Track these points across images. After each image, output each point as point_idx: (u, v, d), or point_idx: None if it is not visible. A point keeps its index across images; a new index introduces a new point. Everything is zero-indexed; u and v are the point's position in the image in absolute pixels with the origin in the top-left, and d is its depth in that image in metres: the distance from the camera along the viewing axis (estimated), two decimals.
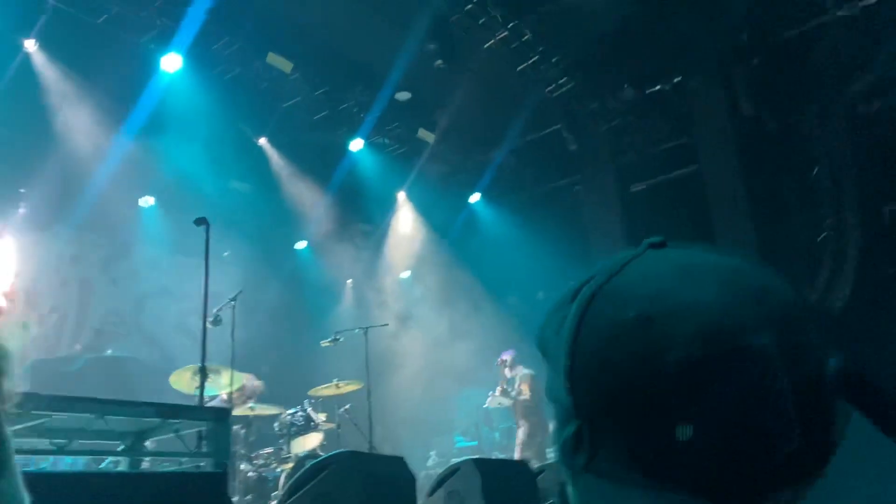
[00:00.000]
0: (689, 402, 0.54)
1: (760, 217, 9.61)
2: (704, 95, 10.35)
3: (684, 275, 0.59)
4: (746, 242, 9.41)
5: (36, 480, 2.89)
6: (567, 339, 0.59)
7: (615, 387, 0.56)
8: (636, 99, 10.87)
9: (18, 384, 0.72)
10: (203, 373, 5.20)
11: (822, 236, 9.34)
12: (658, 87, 10.86)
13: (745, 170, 9.89)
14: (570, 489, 0.60)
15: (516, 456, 8.72)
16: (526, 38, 9.43)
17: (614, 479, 0.56)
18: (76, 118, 8.63)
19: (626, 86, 10.75)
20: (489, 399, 9.54)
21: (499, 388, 9.35)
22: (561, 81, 10.32)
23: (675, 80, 10.67)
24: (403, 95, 10.68)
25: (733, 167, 9.99)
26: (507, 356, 9.42)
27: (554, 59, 9.95)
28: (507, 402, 9.36)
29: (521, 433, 9.13)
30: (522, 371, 9.22)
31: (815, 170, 9.54)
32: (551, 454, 6.36)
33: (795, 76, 9.56)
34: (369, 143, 11.31)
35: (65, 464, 5.64)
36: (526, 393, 9.11)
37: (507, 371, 9.31)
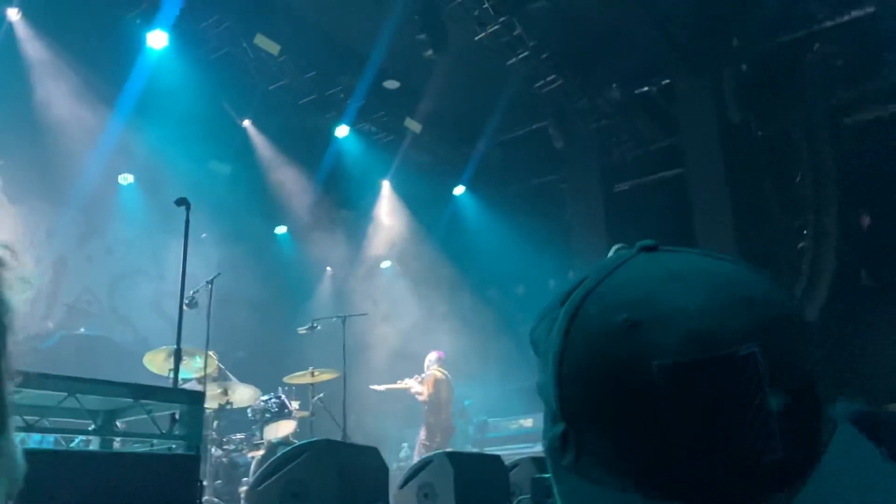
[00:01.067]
0: (673, 408, 0.53)
1: (742, 223, 9.68)
2: (692, 99, 10.40)
3: (673, 280, 0.58)
4: (727, 247, 9.47)
5: None
6: (556, 342, 0.59)
7: (600, 390, 0.56)
8: (624, 99, 10.90)
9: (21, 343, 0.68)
10: (178, 355, 5.13)
11: (801, 245, 9.43)
12: (646, 89, 10.90)
13: (729, 175, 9.96)
14: (555, 488, 0.60)
15: (415, 457, 8.74)
16: (517, 32, 9.40)
17: (598, 481, 0.56)
18: (57, 91, 8.46)
19: (614, 85, 10.77)
20: (401, 383, 9.51)
21: (411, 380, 9.37)
22: (550, 78, 10.31)
23: (664, 82, 10.71)
24: (392, 84, 10.61)
25: (718, 172, 10.04)
26: (432, 355, 9.43)
27: (544, 56, 9.93)
28: (414, 389, 9.32)
29: (421, 433, 9.18)
30: (430, 372, 9.26)
31: (798, 177, 9.63)
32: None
33: (783, 84, 9.63)
34: (355, 130, 11.22)
35: (34, 441, 5.54)
36: (424, 394, 9.15)
37: (425, 368, 9.33)
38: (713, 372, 0.53)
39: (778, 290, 0.59)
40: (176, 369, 4.97)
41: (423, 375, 9.35)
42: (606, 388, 0.55)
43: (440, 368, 9.35)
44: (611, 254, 0.68)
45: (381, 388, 9.38)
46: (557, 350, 0.59)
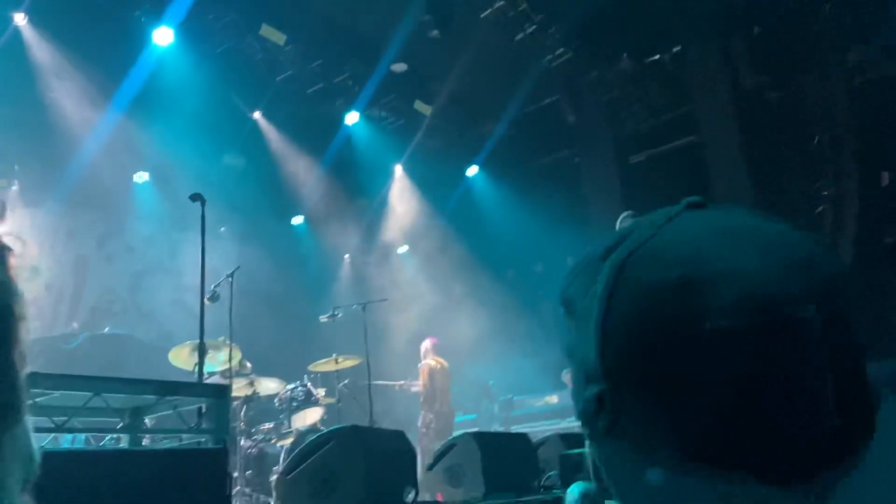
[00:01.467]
0: (727, 372, 0.51)
1: (759, 187, 9.56)
2: (704, 65, 10.25)
3: (727, 238, 0.56)
4: None
5: (44, 459, 2.85)
6: (600, 299, 0.56)
7: (648, 351, 0.53)
8: (635, 69, 10.77)
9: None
10: (202, 349, 5.17)
11: (820, 208, 9.30)
12: (657, 57, 10.75)
13: (744, 140, 9.83)
14: (593, 451, 0.59)
15: (419, 445, 8.72)
16: (522, 7, 9.29)
17: (637, 444, 0.55)
18: (67, 93, 8.51)
19: (624, 56, 10.63)
20: (397, 385, 9.50)
21: (406, 382, 9.41)
22: (559, 52, 10.20)
23: (675, 49, 10.56)
24: (399, 67, 10.54)
25: (733, 137, 9.92)
26: (426, 343, 9.41)
27: (552, 30, 9.82)
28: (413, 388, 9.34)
29: (419, 421, 9.15)
30: (425, 361, 9.23)
31: (815, 139, 9.47)
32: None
33: (796, 45, 9.45)
34: (365, 116, 11.18)
35: (66, 441, 5.64)
36: (419, 384, 9.12)
37: (421, 357, 9.34)
38: (770, 335, 0.51)
39: (831, 253, 0.57)
40: (201, 363, 5.01)
41: (419, 365, 9.32)
42: (655, 349, 0.53)
43: (435, 356, 9.30)
44: (619, 223, 0.66)
45: (380, 383, 9.37)
46: (601, 307, 0.56)
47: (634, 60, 10.61)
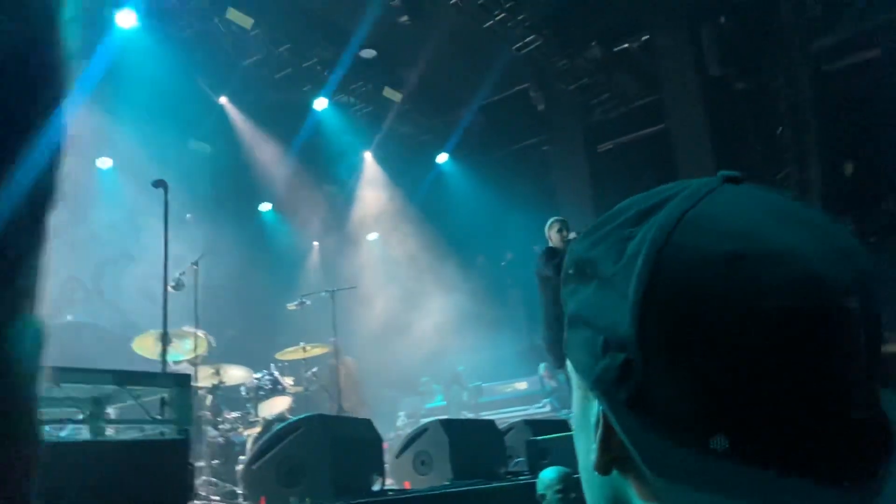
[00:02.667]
0: (775, 356, 0.49)
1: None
2: (672, 53, 10.32)
3: (777, 216, 0.54)
4: None
5: None
6: (642, 266, 0.53)
7: (693, 324, 0.50)
8: (604, 57, 10.80)
9: None
10: (165, 338, 5.11)
11: None
12: (626, 45, 10.80)
13: (712, 129, 9.94)
14: (614, 423, 0.54)
15: None
16: None
17: (665, 420, 0.51)
18: None
19: (593, 43, 10.66)
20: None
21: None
22: (528, 39, 10.19)
23: (643, 37, 10.62)
24: (368, 53, 10.46)
25: (700, 126, 10.02)
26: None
27: (521, 17, 9.80)
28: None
29: None
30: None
31: (780, 129, 9.61)
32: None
33: (762, 34, 9.56)
34: (334, 102, 11.08)
35: None
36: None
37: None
38: (822, 322, 0.49)
39: (861, 243, 0.55)
40: (163, 352, 4.94)
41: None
42: (700, 323, 0.50)
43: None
44: (547, 229, 0.63)
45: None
46: (643, 274, 0.53)
47: (603, 48, 10.65)
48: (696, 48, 9.99)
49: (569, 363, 0.62)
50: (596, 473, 0.58)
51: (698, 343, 0.50)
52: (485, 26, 9.68)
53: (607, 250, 0.57)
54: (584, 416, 0.61)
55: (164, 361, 4.92)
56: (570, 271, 0.61)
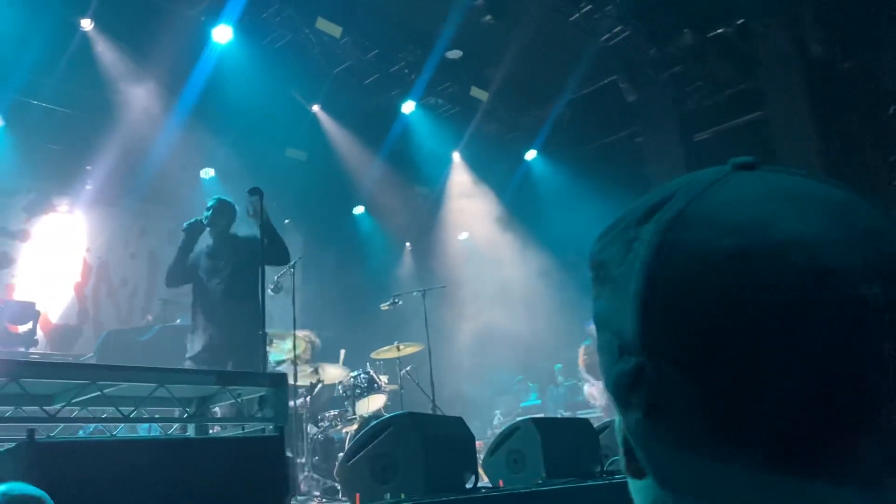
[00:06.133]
0: (782, 353, 0.46)
1: (831, 163, 9.18)
2: (770, 37, 9.87)
3: (786, 203, 0.50)
4: None
5: (112, 447, 2.99)
6: (642, 266, 0.51)
7: (696, 325, 0.48)
8: (697, 44, 10.45)
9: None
10: (263, 339, 5.32)
11: (894, 182, 8.88)
12: (720, 30, 10.42)
13: (814, 113, 9.44)
14: (629, 436, 0.54)
15: None
16: None
17: (677, 425, 0.49)
18: (134, 93, 8.83)
19: (685, 30, 10.34)
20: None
21: None
22: (616, 30, 9.99)
23: (738, 21, 10.20)
24: (454, 54, 10.52)
25: (802, 111, 9.54)
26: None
27: (608, 8, 9.62)
28: None
29: None
30: None
31: (891, 109, 9.02)
32: None
33: (866, 12, 9.00)
34: (421, 105, 11.22)
35: (142, 430, 5.89)
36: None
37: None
38: (836, 313, 0.46)
39: (893, 223, 0.51)
40: (263, 354, 5.16)
41: None
42: (703, 323, 0.48)
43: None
44: None
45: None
46: (643, 275, 0.51)
47: (696, 35, 10.30)
48: (795, 29, 9.52)
49: None
50: (632, 480, 0.57)
51: (702, 345, 0.48)
52: (570, 20, 9.56)
53: (616, 251, 0.56)
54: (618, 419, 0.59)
55: (264, 362, 5.13)
56: (591, 274, 0.60)
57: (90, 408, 3.75)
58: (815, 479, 0.47)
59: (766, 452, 0.47)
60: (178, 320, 8.96)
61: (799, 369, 0.46)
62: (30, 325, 8.21)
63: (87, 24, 8.37)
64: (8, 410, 3.41)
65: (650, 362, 0.50)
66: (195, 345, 6.06)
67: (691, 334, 0.48)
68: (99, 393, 3.37)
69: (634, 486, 0.58)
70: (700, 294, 0.49)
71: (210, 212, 6.44)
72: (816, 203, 0.51)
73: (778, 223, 0.49)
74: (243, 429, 4.04)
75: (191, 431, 4.11)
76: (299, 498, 6.28)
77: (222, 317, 6.01)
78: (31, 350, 8.16)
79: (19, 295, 8.93)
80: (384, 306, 8.27)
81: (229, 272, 6.16)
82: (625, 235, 0.56)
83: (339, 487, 6.20)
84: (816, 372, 0.46)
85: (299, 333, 7.05)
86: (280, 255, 6.20)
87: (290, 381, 6.36)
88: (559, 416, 9.84)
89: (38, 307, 8.44)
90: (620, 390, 0.53)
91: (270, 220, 6.05)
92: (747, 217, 0.50)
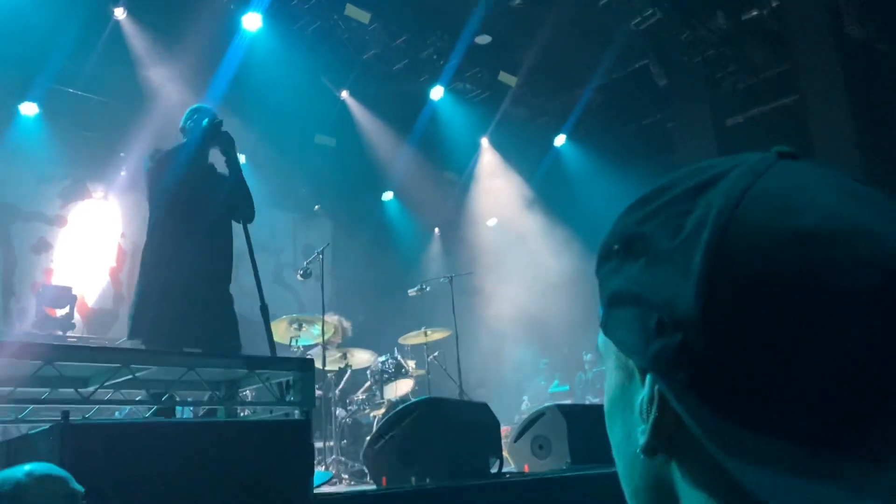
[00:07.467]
0: (849, 338, 0.46)
1: (869, 148, 8.98)
2: (805, 18, 9.65)
3: (843, 193, 0.51)
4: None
5: (142, 429, 3.07)
6: (708, 241, 0.51)
7: (760, 304, 0.48)
8: (730, 26, 10.27)
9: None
10: (296, 323, 5.41)
11: None
12: (754, 13, 10.22)
13: (851, 97, 9.22)
14: (676, 405, 0.52)
15: None
16: None
17: (728, 405, 0.49)
18: (166, 81, 8.94)
19: (718, 13, 10.16)
20: None
21: None
22: (647, 13, 9.84)
23: (773, 3, 9.99)
24: (483, 39, 10.47)
25: (839, 95, 9.33)
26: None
27: None
28: None
29: None
30: None
31: None
32: None
33: None
34: (450, 90, 11.20)
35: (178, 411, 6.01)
36: None
37: None
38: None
39: None
40: (269, 339, 5.24)
41: None
42: (767, 304, 0.48)
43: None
44: None
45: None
46: (708, 250, 0.50)
47: (729, 18, 10.12)
48: (832, 11, 9.30)
49: (604, 343, 0.61)
50: (638, 457, 0.56)
51: (769, 324, 0.48)
52: (601, 3, 9.46)
53: (661, 225, 0.55)
54: (625, 397, 0.59)
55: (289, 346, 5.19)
56: (616, 247, 0.58)
57: (123, 391, 3.85)
58: (853, 455, 0.47)
59: (812, 428, 0.47)
60: None
61: (870, 354, 0.46)
62: (67, 308, 8.41)
63: (119, 12, 8.50)
64: (44, 392, 3.52)
65: (703, 337, 0.50)
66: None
67: (760, 312, 0.48)
68: (131, 376, 3.46)
69: (634, 466, 0.58)
70: (770, 273, 0.49)
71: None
72: (866, 197, 0.51)
73: (844, 211, 0.49)
74: (271, 412, 4.11)
75: (221, 415, 4.20)
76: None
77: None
78: (69, 333, 8.37)
79: (57, 279, 9.14)
80: (412, 292, 8.31)
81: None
82: (673, 208, 0.55)
83: (366, 470, 6.29)
84: (875, 357, 0.46)
85: (328, 318, 7.12)
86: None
87: (319, 365, 6.45)
88: (587, 402, 9.82)
89: (74, 291, 8.64)
90: (664, 364, 0.52)
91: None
92: (818, 202, 0.50)
